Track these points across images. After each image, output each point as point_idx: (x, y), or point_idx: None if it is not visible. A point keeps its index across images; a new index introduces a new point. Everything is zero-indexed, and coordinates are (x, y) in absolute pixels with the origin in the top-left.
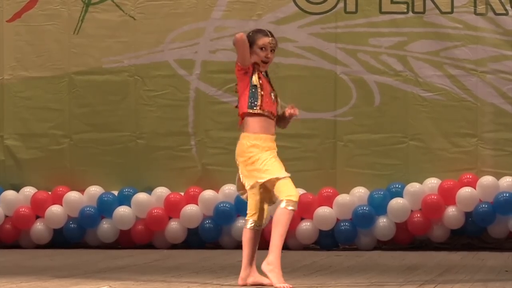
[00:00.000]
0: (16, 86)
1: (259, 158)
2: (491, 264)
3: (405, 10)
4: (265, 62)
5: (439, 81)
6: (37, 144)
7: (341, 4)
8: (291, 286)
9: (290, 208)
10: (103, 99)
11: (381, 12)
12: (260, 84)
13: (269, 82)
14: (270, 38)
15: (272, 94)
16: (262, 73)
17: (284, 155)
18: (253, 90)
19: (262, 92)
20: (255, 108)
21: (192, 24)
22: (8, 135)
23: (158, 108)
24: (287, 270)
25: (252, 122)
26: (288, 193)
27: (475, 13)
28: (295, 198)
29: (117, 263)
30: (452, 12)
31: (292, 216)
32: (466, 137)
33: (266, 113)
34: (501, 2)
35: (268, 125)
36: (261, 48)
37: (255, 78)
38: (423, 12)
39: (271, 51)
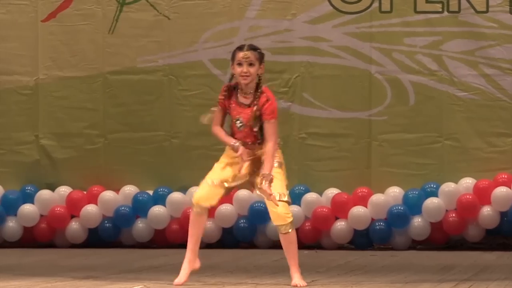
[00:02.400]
0: (51, 86)
1: None
2: None
3: (440, 10)
4: (243, 76)
5: (474, 80)
6: (72, 143)
7: (376, 4)
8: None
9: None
10: (137, 98)
11: (416, 12)
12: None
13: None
14: (243, 52)
15: (238, 121)
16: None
17: (318, 155)
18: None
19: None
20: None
21: (226, 24)
22: (43, 135)
23: (193, 107)
24: (322, 270)
25: None
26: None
27: (511, 12)
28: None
29: (152, 263)
30: (487, 11)
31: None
32: (501, 136)
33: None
34: None
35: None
36: (238, 64)
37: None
38: (458, 12)
39: (249, 64)
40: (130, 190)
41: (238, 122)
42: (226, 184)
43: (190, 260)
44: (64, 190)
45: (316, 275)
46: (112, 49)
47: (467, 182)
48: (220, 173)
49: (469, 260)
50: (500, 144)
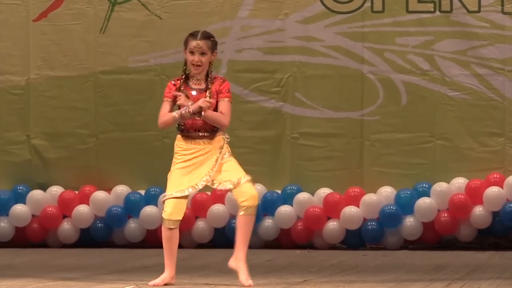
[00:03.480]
0: (42, 86)
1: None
2: None
3: (432, 9)
4: (195, 65)
5: (466, 80)
6: (64, 143)
7: (368, 3)
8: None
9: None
10: (129, 98)
11: (408, 11)
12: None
13: (207, 88)
14: (196, 42)
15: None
16: (193, 81)
17: (310, 155)
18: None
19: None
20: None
21: (218, 23)
22: (35, 135)
23: None
24: (314, 270)
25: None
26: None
27: (503, 12)
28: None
29: (144, 262)
30: (479, 11)
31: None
32: (493, 136)
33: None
34: None
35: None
36: (190, 52)
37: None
38: (450, 11)
39: (201, 54)
40: (122, 190)
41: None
42: (191, 190)
43: (171, 276)
44: (56, 190)
45: (309, 274)
46: (103, 48)
47: (459, 182)
48: (181, 182)
49: (461, 259)
50: (492, 143)
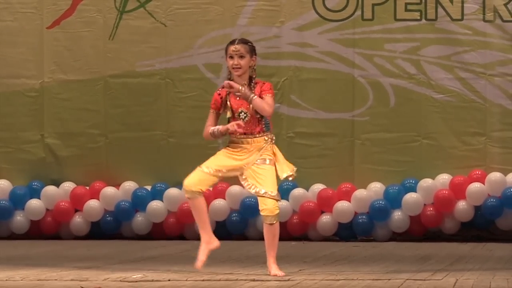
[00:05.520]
0: (55, 89)
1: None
2: (498, 254)
3: (418, 18)
4: (235, 68)
5: (450, 83)
6: (75, 142)
7: (358, 12)
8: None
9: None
10: (136, 100)
11: (396, 19)
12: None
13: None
14: (234, 46)
15: (242, 113)
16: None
17: (305, 153)
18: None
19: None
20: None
21: (219, 30)
22: (48, 134)
23: (188, 109)
24: (308, 260)
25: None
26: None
27: (484, 20)
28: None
29: (150, 253)
30: (462, 19)
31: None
32: (475, 136)
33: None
34: (508, 10)
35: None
36: (230, 57)
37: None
38: (435, 19)
39: (240, 57)
40: (129, 186)
41: (242, 113)
42: (220, 174)
43: (206, 241)
44: (68, 185)
45: (303, 264)
46: (112, 54)
47: (444, 178)
48: (216, 162)
49: (445, 250)
50: (474, 142)
